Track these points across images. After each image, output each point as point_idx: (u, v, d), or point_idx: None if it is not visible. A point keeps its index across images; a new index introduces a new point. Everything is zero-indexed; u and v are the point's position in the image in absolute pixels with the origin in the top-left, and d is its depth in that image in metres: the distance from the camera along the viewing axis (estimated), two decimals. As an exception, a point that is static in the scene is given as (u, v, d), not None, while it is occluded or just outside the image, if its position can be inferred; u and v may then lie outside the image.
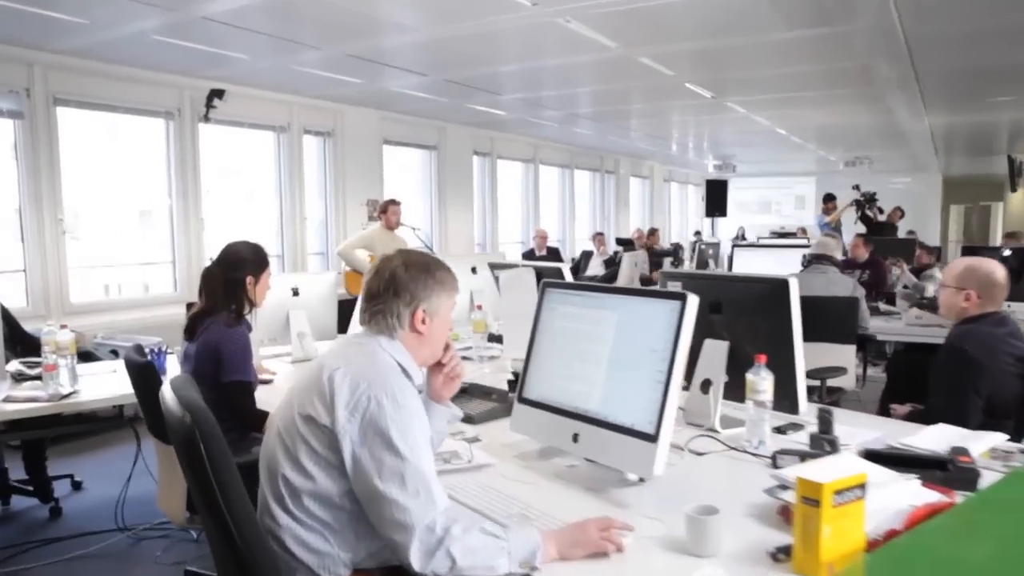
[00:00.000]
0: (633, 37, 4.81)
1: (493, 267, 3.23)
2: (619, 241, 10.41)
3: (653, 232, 9.43)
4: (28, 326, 4.16)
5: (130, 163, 5.94)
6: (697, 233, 14.72)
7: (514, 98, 7.11)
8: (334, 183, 7.32)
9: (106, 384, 2.90)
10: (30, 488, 3.42)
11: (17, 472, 3.48)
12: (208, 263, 6.21)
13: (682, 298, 1.51)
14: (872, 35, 4.79)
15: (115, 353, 4.89)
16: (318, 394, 1.35)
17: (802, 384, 1.98)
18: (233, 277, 2.40)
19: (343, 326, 3.75)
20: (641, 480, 1.59)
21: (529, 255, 8.24)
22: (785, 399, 1.97)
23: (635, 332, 1.58)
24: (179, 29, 4.49)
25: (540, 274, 2.75)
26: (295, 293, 3.36)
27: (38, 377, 2.82)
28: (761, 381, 1.89)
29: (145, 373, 2.17)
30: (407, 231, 5.92)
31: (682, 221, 16.52)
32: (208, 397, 1.80)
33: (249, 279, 2.43)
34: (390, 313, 1.46)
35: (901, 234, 10.17)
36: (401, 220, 5.74)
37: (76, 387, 2.77)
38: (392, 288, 1.46)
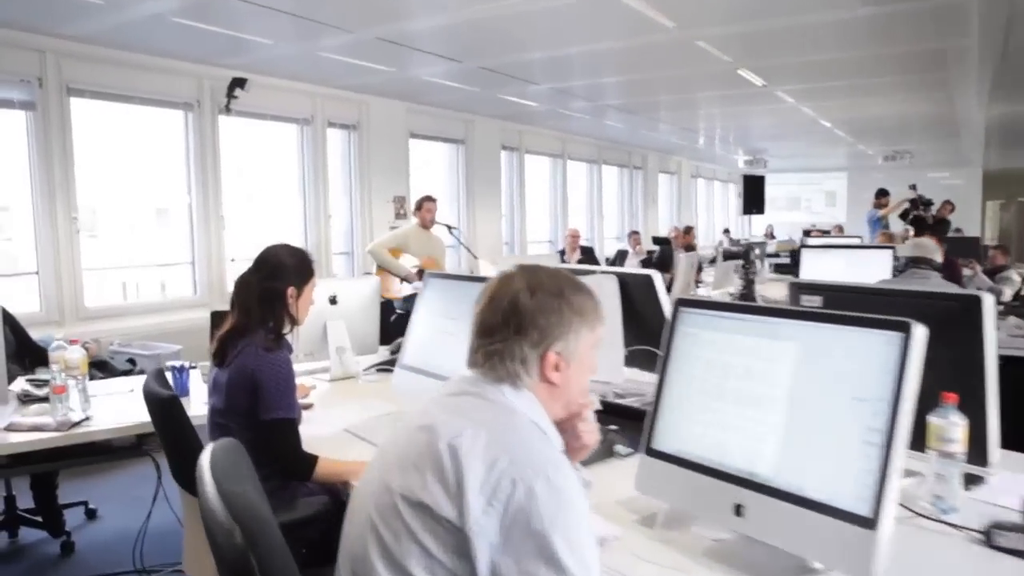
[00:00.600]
0: (692, 16, 4.38)
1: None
2: (656, 240, 9.97)
3: (689, 230, 8.99)
4: (41, 332, 3.82)
5: (146, 158, 5.59)
6: (726, 231, 14.23)
7: (548, 88, 6.70)
8: (359, 179, 6.95)
9: (123, 408, 2.53)
10: (39, 519, 3.07)
11: (26, 499, 3.13)
12: (230, 264, 5.76)
13: (904, 328, 1.11)
14: (949, 13, 4.34)
15: (132, 363, 4.55)
16: (433, 470, 0.95)
17: (995, 427, 1.56)
18: (271, 287, 1.98)
19: (385, 337, 3.38)
20: (825, 569, 1.19)
21: (560, 257, 7.84)
22: (971, 446, 1.56)
23: (828, 372, 1.17)
24: (199, 10, 4.13)
25: (623, 282, 2.36)
26: (332, 302, 2.98)
27: (46, 399, 2.46)
28: (951, 427, 1.48)
29: (169, 409, 1.79)
30: (442, 230, 5.53)
31: (708, 218, 16.03)
32: (243, 437, 1.43)
33: (291, 291, 2.02)
34: (512, 356, 1.07)
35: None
36: (436, 218, 5.34)
37: (88, 412, 2.40)
38: (514, 322, 1.07)
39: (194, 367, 2.87)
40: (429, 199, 5.37)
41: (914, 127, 9.32)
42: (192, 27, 4.39)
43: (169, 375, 2.40)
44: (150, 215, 5.87)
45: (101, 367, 4.31)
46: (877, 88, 6.61)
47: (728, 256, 9.04)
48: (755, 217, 17.03)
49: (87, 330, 4.61)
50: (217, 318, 2.35)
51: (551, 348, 1.07)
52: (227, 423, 1.83)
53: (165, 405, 1.79)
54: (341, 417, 2.28)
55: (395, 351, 2.92)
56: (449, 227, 5.26)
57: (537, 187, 9.91)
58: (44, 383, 2.58)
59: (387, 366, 2.90)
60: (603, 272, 2.47)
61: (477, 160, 8.41)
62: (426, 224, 5.33)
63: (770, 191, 18.57)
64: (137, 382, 2.61)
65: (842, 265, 4.53)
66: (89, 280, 5.04)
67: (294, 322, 2.05)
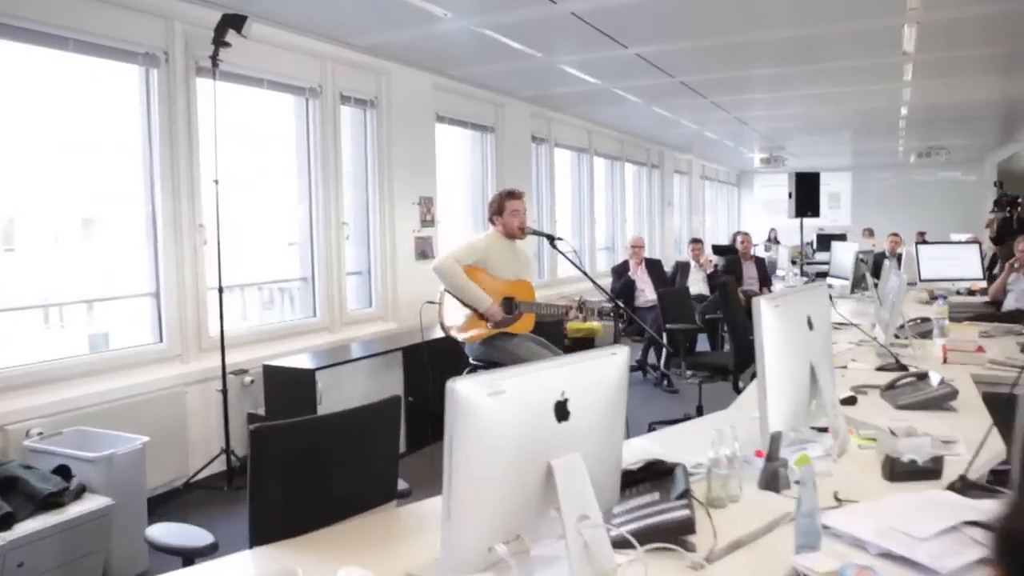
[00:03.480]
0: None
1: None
2: (717, 249, 8.55)
3: (746, 237, 7.60)
4: None
5: (90, 135, 3.74)
6: (771, 236, 12.95)
7: (632, 54, 5.14)
8: (378, 173, 5.22)
9: None
10: None
11: None
12: (212, 296, 3.75)
13: None
14: None
15: (64, 474, 2.71)
16: None
17: None
18: None
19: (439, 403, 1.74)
20: None
21: (621, 270, 6.29)
22: None
23: None
24: None
25: None
26: (561, 413, 1.33)
27: None
28: None
29: None
30: (529, 242, 3.89)
31: (714, 222, 14.85)
32: None
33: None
34: None
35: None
36: (526, 223, 3.70)
37: None
38: None
39: None
40: (513, 195, 3.73)
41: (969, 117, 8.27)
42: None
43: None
44: (92, 224, 3.99)
45: (6, 487, 2.51)
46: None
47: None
48: (753, 219, 16.18)
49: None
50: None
51: None
52: None
53: None
54: None
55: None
56: (551, 238, 3.64)
57: (561, 186, 8.35)
58: None
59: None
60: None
61: (508, 152, 6.78)
62: (511, 232, 3.68)
63: (769, 193, 17.68)
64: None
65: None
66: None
67: None
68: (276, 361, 4.04)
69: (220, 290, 3.72)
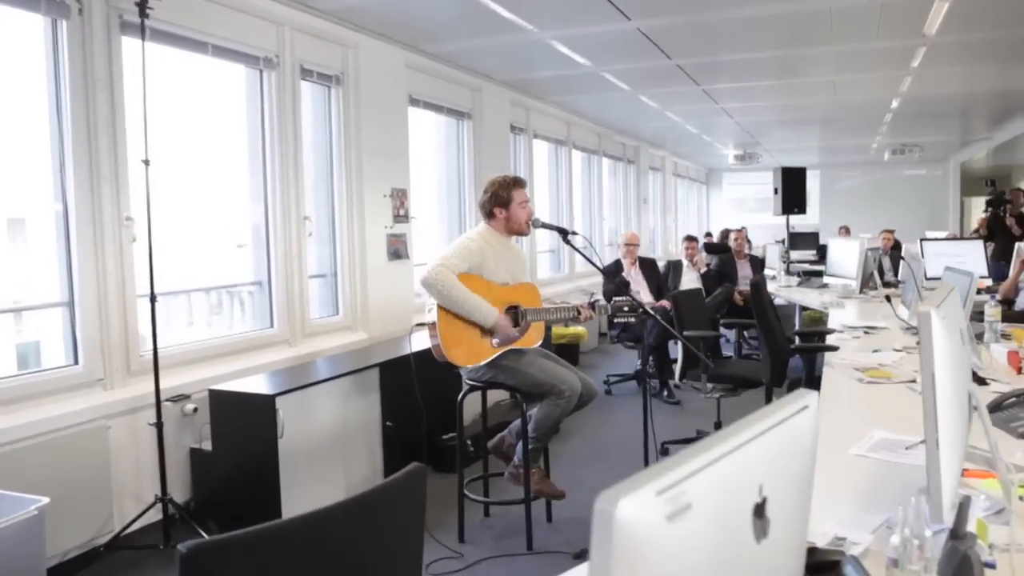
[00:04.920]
0: None
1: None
2: (710, 248, 8.07)
3: (740, 234, 7.15)
4: None
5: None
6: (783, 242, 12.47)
7: (632, 27, 4.57)
8: (344, 160, 4.51)
9: None
10: None
11: None
12: (143, 305, 2.98)
13: None
14: None
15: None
16: None
17: None
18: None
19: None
20: None
21: (613, 271, 5.71)
22: None
23: None
24: None
25: None
26: None
27: None
28: None
29: None
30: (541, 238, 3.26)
31: (685, 219, 14.49)
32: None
33: None
34: None
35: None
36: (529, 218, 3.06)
37: None
38: None
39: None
40: (520, 183, 3.09)
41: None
42: None
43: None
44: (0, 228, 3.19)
45: None
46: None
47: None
48: (721, 217, 15.90)
49: None
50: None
51: None
52: None
53: None
54: None
55: None
56: (564, 232, 3.01)
57: (539, 180, 7.75)
58: None
59: None
60: None
61: (486, 141, 6.14)
62: (520, 227, 3.05)
63: (738, 191, 17.47)
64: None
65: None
66: None
67: None
68: (225, 384, 3.30)
69: (152, 298, 2.97)
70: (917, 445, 1.82)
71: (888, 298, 4.18)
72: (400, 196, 4.92)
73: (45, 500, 2.23)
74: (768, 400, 3.47)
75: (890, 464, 1.67)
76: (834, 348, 2.91)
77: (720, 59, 5.57)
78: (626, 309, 3.00)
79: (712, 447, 0.67)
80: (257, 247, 4.04)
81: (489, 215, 3.06)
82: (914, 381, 2.51)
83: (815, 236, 11.63)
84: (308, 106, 4.30)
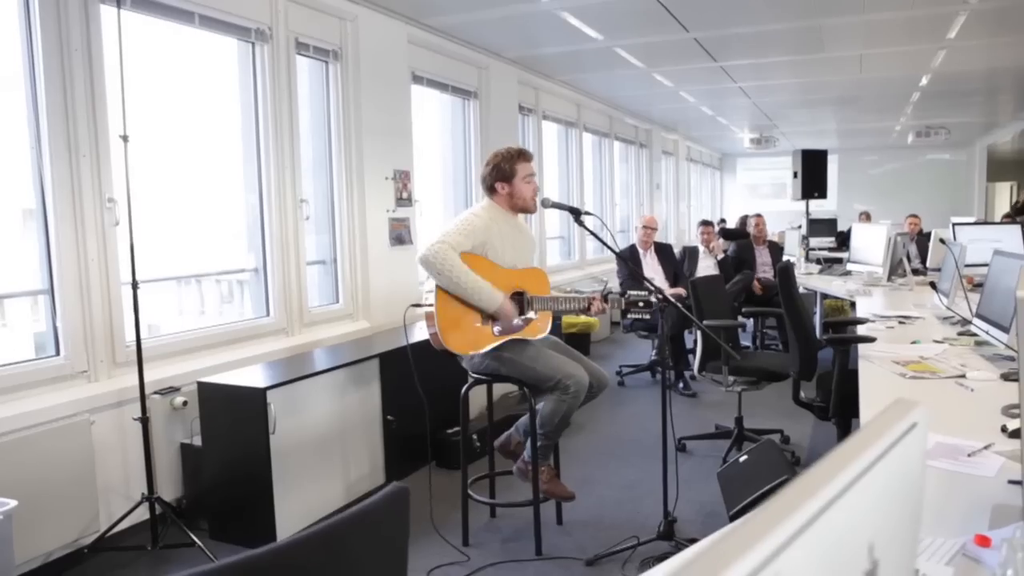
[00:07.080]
0: None
1: None
2: (726, 233, 7.79)
3: (760, 219, 6.87)
4: None
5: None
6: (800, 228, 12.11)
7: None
8: (343, 140, 4.30)
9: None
10: None
11: None
12: (128, 292, 2.76)
13: None
14: None
15: None
16: None
17: None
18: None
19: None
20: None
21: (630, 256, 5.46)
22: None
23: None
24: None
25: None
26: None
27: None
28: None
29: None
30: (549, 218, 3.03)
31: (699, 205, 14.18)
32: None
33: None
34: None
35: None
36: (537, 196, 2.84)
37: None
38: None
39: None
40: (525, 156, 2.87)
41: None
42: None
43: None
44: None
45: None
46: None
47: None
48: (736, 204, 15.52)
49: None
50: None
51: None
52: None
53: None
54: None
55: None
56: (576, 212, 2.78)
57: (548, 163, 7.51)
58: None
59: None
60: None
61: (493, 122, 5.90)
62: (525, 204, 2.83)
63: (752, 177, 17.09)
64: None
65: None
66: None
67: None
68: (214, 377, 3.11)
69: (135, 285, 2.77)
70: (980, 451, 1.59)
71: (934, 284, 3.92)
72: (403, 178, 4.70)
73: (12, 503, 2.06)
74: (796, 395, 3.24)
75: (953, 475, 1.45)
76: (871, 339, 2.67)
77: (740, 31, 5.29)
78: (641, 305, 2.77)
79: (803, 499, 0.45)
80: (252, 232, 3.84)
81: (491, 190, 2.84)
82: (963, 376, 2.28)
83: (833, 223, 11.27)
84: (304, 82, 4.08)
